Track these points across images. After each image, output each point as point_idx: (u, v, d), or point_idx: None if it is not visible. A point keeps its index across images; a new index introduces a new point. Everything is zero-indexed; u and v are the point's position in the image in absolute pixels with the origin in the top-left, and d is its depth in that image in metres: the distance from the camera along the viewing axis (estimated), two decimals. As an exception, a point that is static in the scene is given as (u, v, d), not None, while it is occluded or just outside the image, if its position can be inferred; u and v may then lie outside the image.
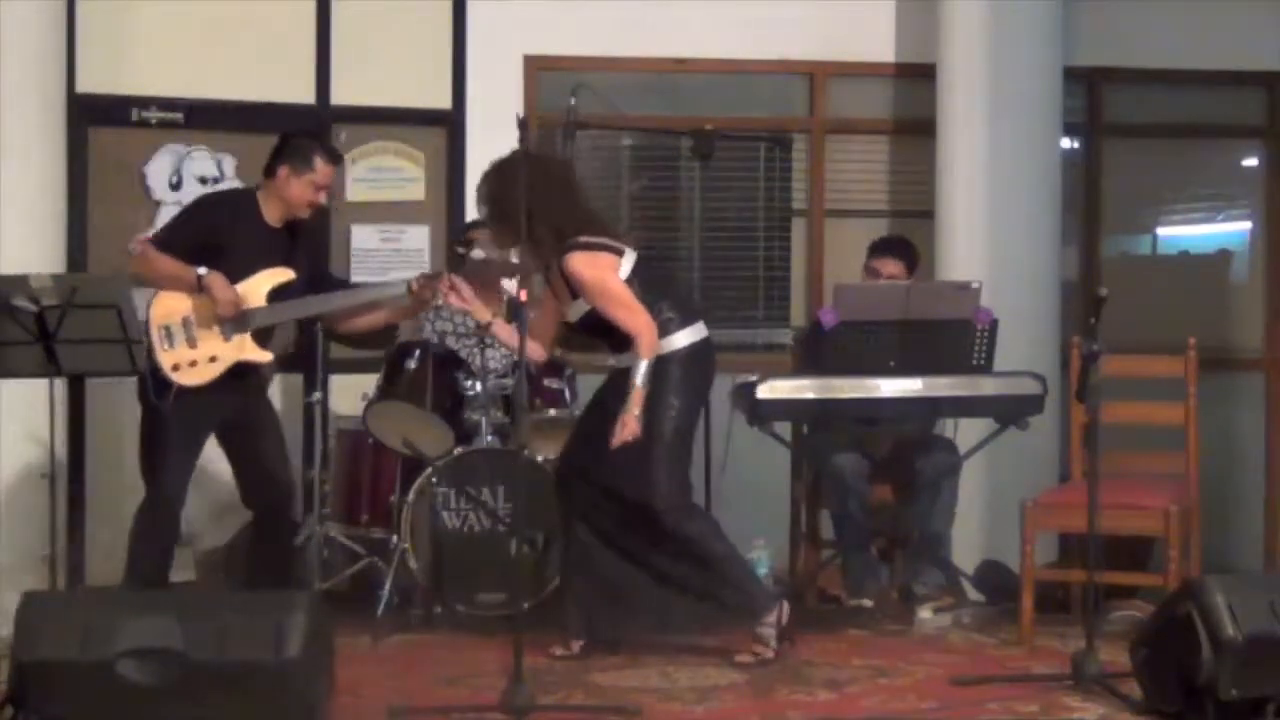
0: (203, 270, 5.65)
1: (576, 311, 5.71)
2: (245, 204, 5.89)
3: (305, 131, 6.03)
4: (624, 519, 5.69)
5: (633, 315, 5.61)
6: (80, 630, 4.46)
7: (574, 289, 5.66)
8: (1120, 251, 8.54)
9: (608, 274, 5.64)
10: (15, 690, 4.50)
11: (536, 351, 5.86)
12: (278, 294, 5.84)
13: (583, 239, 5.64)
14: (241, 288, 5.75)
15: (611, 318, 5.63)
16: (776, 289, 8.10)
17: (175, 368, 5.67)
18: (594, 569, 5.77)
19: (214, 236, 5.74)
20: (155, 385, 5.60)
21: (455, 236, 5.59)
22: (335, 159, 5.98)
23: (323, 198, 5.92)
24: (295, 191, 5.83)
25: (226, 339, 5.74)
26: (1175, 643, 4.85)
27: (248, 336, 5.78)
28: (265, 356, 5.89)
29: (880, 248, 6.87)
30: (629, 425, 5.56)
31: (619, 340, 5.69)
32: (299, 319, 6.13)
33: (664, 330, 5.66)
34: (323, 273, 6.23)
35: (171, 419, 5.66)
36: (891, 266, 6.73)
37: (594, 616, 5.79)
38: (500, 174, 5.62)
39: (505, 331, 5.83)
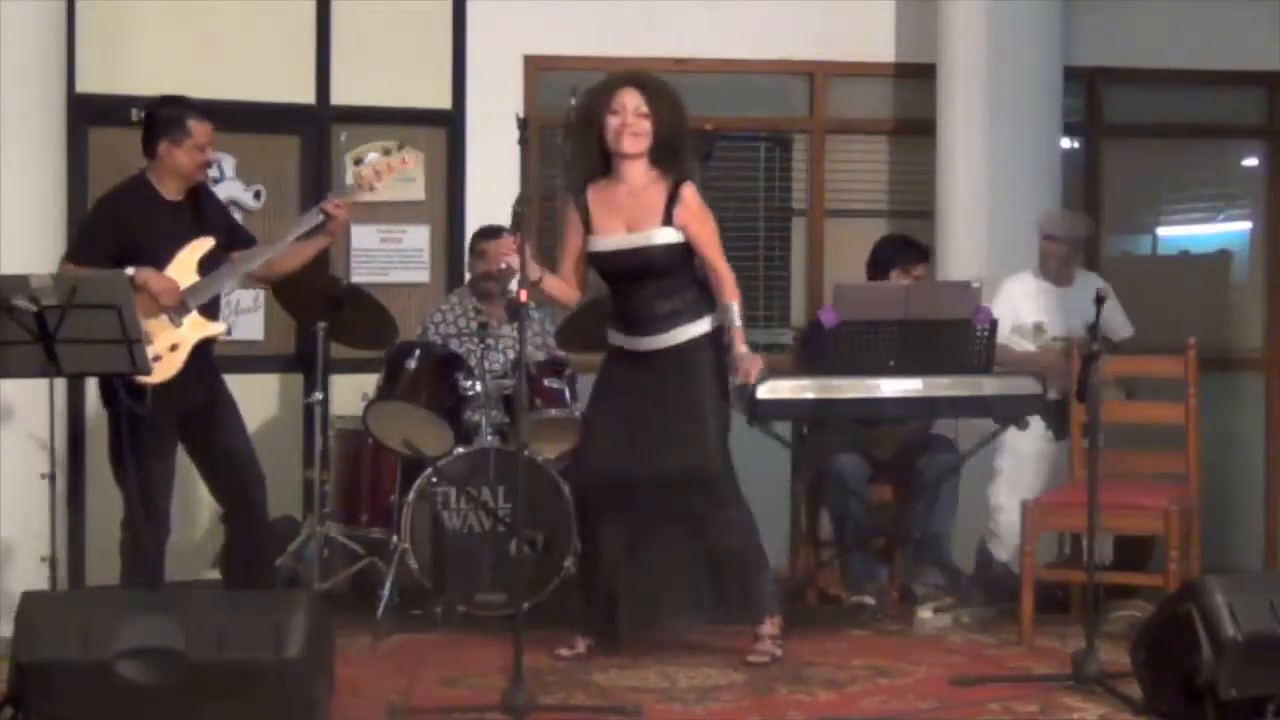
0: (130, 270, 5.55)
1: (659, 238, 5.63)
2: (142, 190, 5.81)
3: (164, 100, 5.90)
4: (660, 510, 5.65)
5: (724, 258, 5.72)
6: (80, 630, 4.46)
7: (673, 216, 5.63)
8: (1120, 251, 8.55)
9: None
10: (15, 690, 4.51)
11: (573, 295, 5.83)
12: (205, 264, 5.79)
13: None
14: (171, 271, 5.70)
15: (709, 250, 5.67)
16: (776, 289, 8.10)
17: None
18: (619, 569, 5.73)
19: (126, 233, 5.68)
20: (130, 394, 5.56)
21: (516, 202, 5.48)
22: (205, 114, 5.86)
23: (209, 154, 5.88)
24: (182, 160, 5.77)
25: (178, 325, 5.70)
26: (1175, 643, 4.85)
27: (196, 314, 5.74)
28: (220, 328, 5.88)
29: (913, 254, 6.84)
30: (753, 361, 5.59)
31: (650, 307, 5.64)
32: (238, 278, 5.98)
33: (692, 314, 5.69)
34: (234, 228, 6.13)
35: (144, 423, 5.61)
36: (925, 270, 6.79)
37: (615, 615, 5.76)
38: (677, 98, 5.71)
39: (555, 284, 5.74)
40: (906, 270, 6.75)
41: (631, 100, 5.64)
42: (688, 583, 5.71)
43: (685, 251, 5.68)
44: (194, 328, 5.73)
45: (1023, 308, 6.93)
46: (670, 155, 5.67)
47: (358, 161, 5.97)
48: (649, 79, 5.75)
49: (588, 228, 5.72)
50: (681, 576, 5.71)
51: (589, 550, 5.82)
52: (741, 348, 5.63)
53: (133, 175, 5.89)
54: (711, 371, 5.69)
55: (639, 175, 5.68)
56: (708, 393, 5.67)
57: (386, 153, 6.01)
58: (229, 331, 6.22)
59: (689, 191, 5.66)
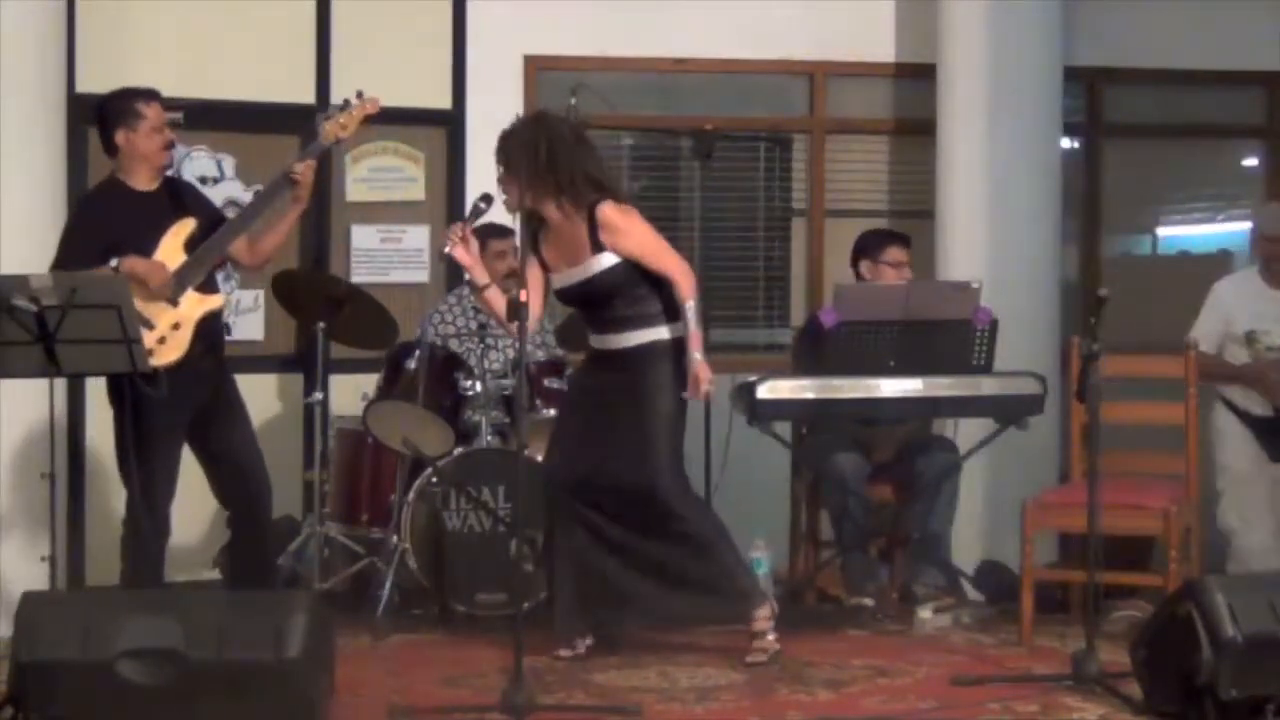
0: (114, 261, 5.55)
1: (596, 266, 5.64)
2: (114, 188, 5.80)
3: (109, 95, 5.87)
4: (621, 515, 5.67)
5: (674, 257, 5.69)
6: (80, 630, 4.47)
7: (601, 242, 5.62)
8: (1120, 251, 8.55)
9: (642, 221, 5.71)
10: (15, 690, 4.51)
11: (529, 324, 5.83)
12: (191, 246, 5.75)
13: (609, 192, 5.69)
14: (159, 257, 5.67)
15: (651, 260, 5.64)
16: (776, 289, 8.11)
17: (150, 353, 5.53)
18: (589, 570, 5.75)
19: (107, 232, 5.64)
20: (144, 379, 5.53)
21: (479, 196, 5.55)
22: (153, 95, 5.84)
23: (169, 134, 5.84)
24: (143, 145, 5.76)
25: (176, 304, 5.67)
26: (1175, 643, 4.85)
27: (192, 292, 5.70)
28: (220, 300, 5.86)
29: (883, 239, 6.83)
30: (703, 371, 5.54)
31: (612, 314, 5.68)
32: (226, 249, 5.87)
33: (656, 320, 5.68)
34: (214, 212, 6.09)
35: (152, 419, 5.60)
36: (901, 254, 6.72)
37: (585, 616, 5.78)
38: (534, 125, 5.68)
39: (498, 300, 5.75)
40: (875, 259, 6.73)
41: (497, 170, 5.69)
42: (650, 586, 5.71)
43: (629, 267, 5.66)
44: (193, 304, 5.70)
45: (1236, 314, 6.65)
46: (561, 187, 5.60)
47: (327, 118, 5.96)
48: (499, 140, 5.70)
49: (545, 267, 5.78)
50: (643, 579, 5.71)
51: (553, 551, 5.84)
52: (694, 354, 5.58)
53: (103, 179, 5.89)
54: (668, 381, 5.65)
55: (554, 217, 5.68)
56: (660, 404, 5.64)
57: (344, 107, 6.00)
58: (230, 326, 6.20)
59: (604, 212, 5.62)
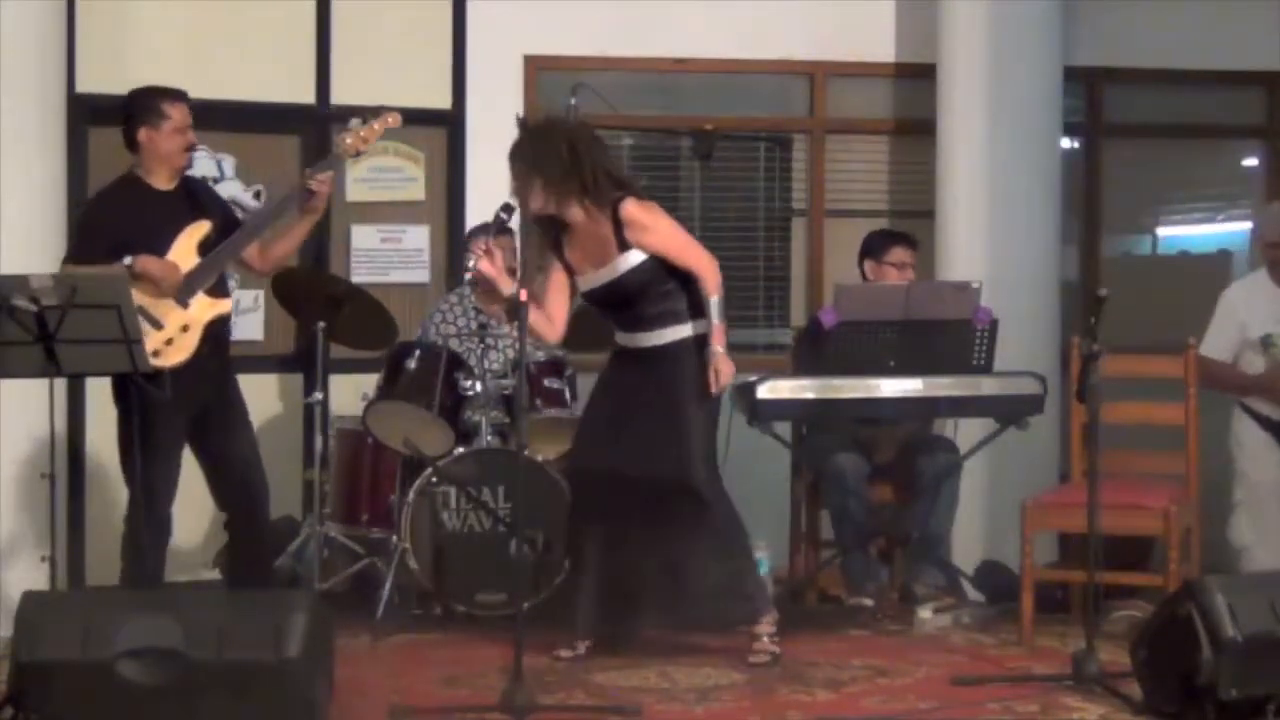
0: (128, 260, 5.56)
1: (624, 265, 5.62)
2: (132, 186, 5.80)
3: (136, 91, 5.86)
4: (642, 513, 5.65)
5: (700, 251, 5.68)
6: (80, 630, 4.46)
7: (626, 239, 5.61)
8: (1120, 251, 8.55)
9: (665, 216, 5.70)
10: (15, 690, 4.51)
11: (555, 333, 5.81)
12: (205, 248, 5.75)
13: (629, 189, 5.68)
14: (172, 257, 5.68)
15: (677, 255, 5.63)
16: (776, 289, 8.11)
17: (156, 354, 5.55)
18: (604, 568, 5.75)
19: (122, 230, 5.65)
20: (147, 379, 5.50)
21: (500, 207, 5.54)
22: (179, 95, 5.84)
23: (191, 136, 5.83)
24: (164, 145, 5.76)
25: (185, 306, 5.68)
26: (1175, 643, 4.85)
27: (203, 295, 5.71)
28: (228, 304, 5.86)
29: (888, 240, 6.83)
30: (723, 365, 5.56)
31: (640, 312, 5.67)
32: (238, 254, 5.89)
33: (685, 317, 5.68)
34: (230, 214, 6.09)
35: (155, 419, 5.59)
36: (906, 254, 6.72)
37: (603, 614, 5.78)
38: (552, 129, 5.67)
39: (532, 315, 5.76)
40: (878, 260, 6.73)
41: (511, 180, 5.67)
42: (670, 584, 5.69)
43: (656, 263, 5.65)
44: (202, 308, 5.71)
45: (1250, 320, 6.53)
46: (586, 187, 5.59)
47: (347, 130, 5.97)
48: (513, 148, 5.68)
49: (569, 271, 5.76)
50: (665, 577, 5.69)
51: (575, 547, 5.84)
52: (716, 347, 5.60)
53: (122, 174, 5.88)
54: (697, 376, 5.65)
55: (578, 218, 5.65)
56: (691, 399, 5.64)
57: (365, 121, 6.00)
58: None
59: (627, 209, 5.61)
